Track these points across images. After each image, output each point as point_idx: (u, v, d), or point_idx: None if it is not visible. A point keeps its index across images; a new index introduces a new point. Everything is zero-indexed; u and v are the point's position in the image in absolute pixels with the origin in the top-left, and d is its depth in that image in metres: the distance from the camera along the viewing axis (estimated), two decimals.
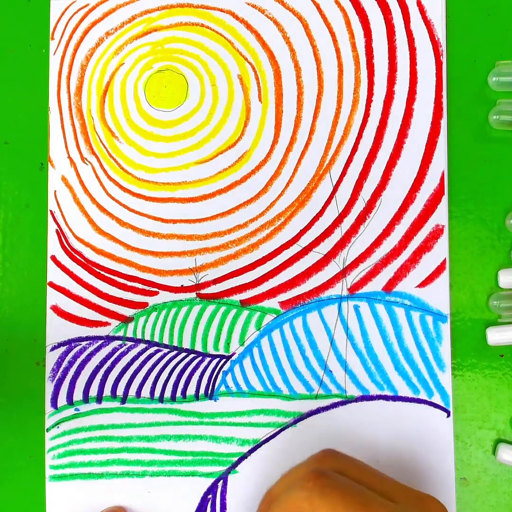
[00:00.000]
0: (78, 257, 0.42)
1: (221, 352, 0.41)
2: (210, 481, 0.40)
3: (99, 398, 0.41)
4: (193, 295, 0.41)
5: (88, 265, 0.42)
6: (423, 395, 0.39)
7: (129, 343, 0.41)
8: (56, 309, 0.41)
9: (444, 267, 0.39)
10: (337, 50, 0.41)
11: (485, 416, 0.39)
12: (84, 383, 0.41)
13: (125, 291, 0.41)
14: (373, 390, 0.39)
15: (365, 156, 0.40)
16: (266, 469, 0.40)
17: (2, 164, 0.42)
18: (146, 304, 0.41)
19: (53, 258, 0.42)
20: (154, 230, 0.41)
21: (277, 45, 0.41)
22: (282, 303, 0.40)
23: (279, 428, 0.40)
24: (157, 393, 0.41)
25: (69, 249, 0.42)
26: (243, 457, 0.40)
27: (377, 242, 0.40)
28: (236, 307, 0.41)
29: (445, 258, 0.39)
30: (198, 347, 0.41)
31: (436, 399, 0.39)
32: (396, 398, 0.39)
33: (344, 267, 0.40)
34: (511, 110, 0.39)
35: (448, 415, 0.39)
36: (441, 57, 0.40)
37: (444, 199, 0.40)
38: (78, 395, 0.41)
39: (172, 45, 0.42)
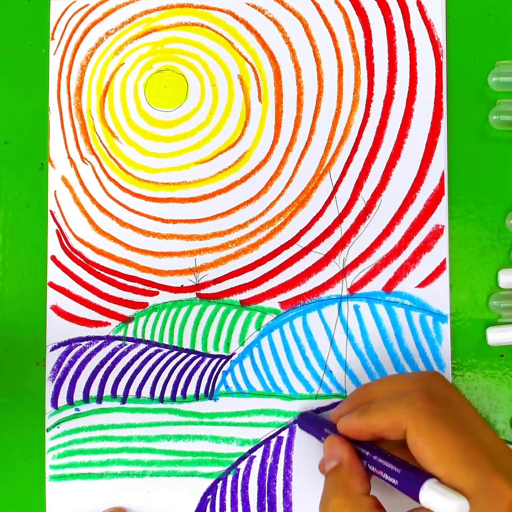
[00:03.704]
0: (78, 257, 0.42)
1: (221, 352, 0.41)
2: (209, 481, 0.40)
3: (99, 398, 0.41)
4: (193, 295, 0.41)
5: (88, 265, 0.42)
6: None
7: (129, 343, 0.41)
8: (56, 309, 0.41)
9: (444, 267, 0.39)
10: (337, 50, 0.41)
11: (485, 416, 0.39)
12: (84, 383, 0.41)
13: (125, 291, 0.41)
14: None
15: (365, 156, 0.40)
16: (266, 470, 0.40)
17: (2, 164, 0.42)
18: (146, 304, 0.41)
19: (53, 258, 0.42)
20: (154, 230, 0.41)
21: (277, 45, 0.41)
22: (282, 303, 0.40)
23: (279, 428, 0.40)
24: (157, 393, 0.41)
25: (69, 249, 0.42)
26: (243, 457, 0.40)
27: (377, 242, 0.40)
28: (236, 307, 0.41)
29: (445, 258, 0.39)
30: (198, 347, 0.41)
31: None
32: None
33: (344, 267, 0.40)
34: (511, 110, 0.39)
35: None
36: (441, 57, 0.40)
37: (444, 199, 0.40)
38: (78, 395, 0.41)
39: (172, 45, 0.42)
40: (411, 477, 0.29)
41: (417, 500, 0.29)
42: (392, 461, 0.31)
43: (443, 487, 0.28)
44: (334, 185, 0.40)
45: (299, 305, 0.40)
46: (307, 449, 0.40)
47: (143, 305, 0.41)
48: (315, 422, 0.37)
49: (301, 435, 0.40)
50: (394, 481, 0.30)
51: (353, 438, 0.33)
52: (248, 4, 0.41)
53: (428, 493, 0.28)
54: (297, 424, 0.39)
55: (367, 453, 0.32)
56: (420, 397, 0.31)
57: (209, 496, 0.40)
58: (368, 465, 0.32)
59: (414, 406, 0.30)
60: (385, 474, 0.31)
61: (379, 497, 0.32)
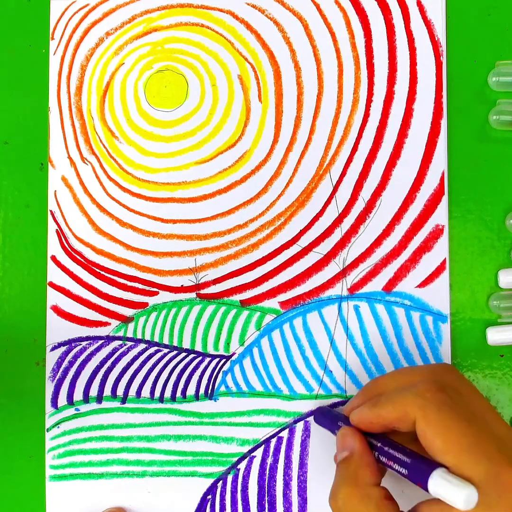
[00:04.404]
0: (78, 257, 0.42)
1: (221, 352, 0.41)
2: (209, 481, 0.40)
3: (99, 398, 0.41)
4: (193, 295, 0.41)
5: (88, 265, 0.42)
6: None
7: (129, 343, 0.41)
8: (56, 309, 0.41)
9: (444, 267, 0.39)
10: (337, 50, 0.41)
11: None
12: (84, 383, 0.41)
13: (125, 291, 0.41)
14: None
15: (365, 156, 0.40)
16: (266, 470, 0.40)
17: (2, 164, 0.42)
18: (146, 304, 0.41)
19: (53, 258, 0.42)
20: (154, 230, 0.41)
21: (277, 45, 0.41)
22: (282, 303, 0.40)
23: (279, 428, 0.40)
24: (157, 393, 0.41)
25: (69, 249, 0.42)
26: (243, 457, 0.40)
27: (377, 242, 0.40)
28: (236, 307, 0.41)
29: (445, 258, 0.39)
30: (198, 347, 0.41)
31: None
32: None
33: (344, 267, 0.40)
34: (511, 110, 0.39)
35: None
36: (441, 57, 0.40)
37: (444, 199, 0.40)
38: (78, 395, 0.41)
39: (172, 45, 0.42)
40: (420, 467, 0.29)
41: (427, 490, 0.29)
42: (402, 452, 0.31)
43: (451, 476, 0.28)
44: (334, 185, 0.40)
45: (299, 305, 0.40)
46: (306, 450, 0.40)
47: (143, 305, 0.41)
48: (329, 416, 0.37)
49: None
50: (404, 470, 0.30)
51: (366, 430, 0.33)
52: (248, 4, 0.41)
53: (437, 482, 0.28)
54: (313, 419, 0.39)
55: (379, 444, 0.33)
56: (429, 388, 0.31)
57: (209, 496, 0.40)
58: (379, 456, 0.32)
59: (423, 397, 0.30)
60: (395, 464, 0.31)
61: (391, 490, 0.32)
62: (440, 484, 0.28)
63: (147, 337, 0.41)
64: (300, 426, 0.40)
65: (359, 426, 0.34)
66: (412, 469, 0.30)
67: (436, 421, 0.29)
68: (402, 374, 0.34)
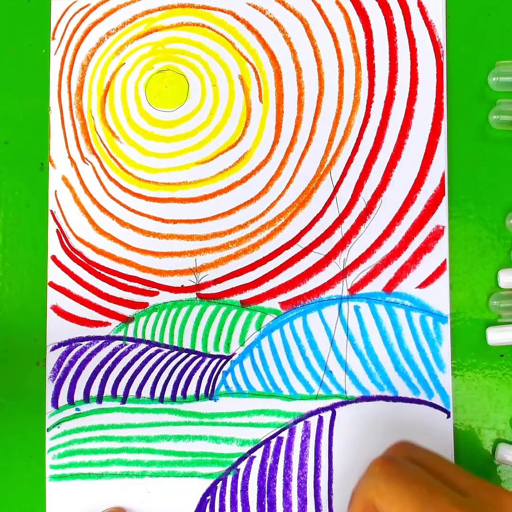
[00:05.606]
0: (78, 257, 0.42)
1: (221, 352, 0.41)
2: (209, 481, 0.40)
3: (99, 398, 0.41)
4: (193, 295, 0.41)
5: (89, 265, 0.42)
6: (423, 396, 0.39)
7: (130, 343, 0.41)
8: (56, 309, 0.41)
9: (445, 268, 0.39)
10: (338, 51, 0.41)
11: (485, 416, 0.39)
12: (84, 383, 0.41)
13: (125, 291, 0.41)
14: (373, 391, 0.39)
15: (365, 156, 0.40)
16: (266, 470, 0.40)
17: (2, 164, 0.42)
18: (146, 304, 0.41)
19: (54, 258, 0.42)
20: (155, 230, 0.41)
21: (278, 45, 0.41)
22: (283, 304, 0.40)
23: (279, 429, 0.40)
24: (157, 393, 0.41)
25: (69, 249, 0.42)
26: (243, 457, 0.40)
27: (378, 243, 0.40)
28: (236, 308, 0.41)
29: (446, 259, 0.39)
30: (198, 347, 0.41)
31: (436, 400, 0.39)
32: (396, 399, 0.39)
33: (344, 267, 0.40)
34: (511, 110, 0.39)
35: (448, 416, 0.39)
36: (441, 57, 0.40)
37: (445, 200, 0.40)
38: (78, 395, 0.41)
39: (173, 45, 0.42)
40: None
41: None
42: None
43: None
44: (334, 185, 0.40)
45: (299, 306, 0.40)
46: (306, 450, 0.40)
47: (143, 305, 0.41)
48: None
49: (301, 436, 0.40)
50: None
51: None
52: (249, 5, 0.41)
53: None
54: None
55: None
56: (377, 462, 0.30)
57: (209, 497, 0.40)
58: None
59: (373, 474, 0.30)
60: None
61: None
62: None
63: (148, 337, 0.41)
64: (300, 426, 0.40)
65: None
66: None
67: (387, 492, 0.29)
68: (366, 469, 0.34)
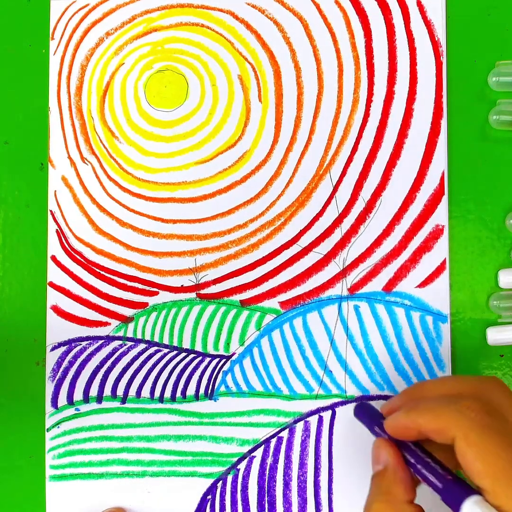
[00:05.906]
0: (78, 257, 0.42)
1: (221, 352, 0.41)
2: (209, 481, 0.40)
3: (99, 398, 0.41)
4: (193, 295, 0.41)
5: (88, 265, 0.42)
6: None
7: (129, 343, 0.41)
8: (56, 309, 0.41)
9: (444, 267, 0.39)
10: (337, 50, 0.41)
11: None
12: (84, 383, 0.41)
13: (125, 291, 0.41)
14: (373, 390, 0.39)
15: (365, 156, 0.40)
16: (266, 470, 0.40)
17: (2, 164, 0.42)
18: (146, 304, 0.41)
19: (53, 258, 0.42)
20: (154, 230, 0.41)
21: (277, 45, 0.41)
22: (282, 303, 0.40)
23: (279, 428, 0.40)
24: (157, 393, 0.41)
25: (69, 249, 0.42)
26: (243, 457, 0.40)
27: (377, 242, 0.40)
28: (236, 307, 0.41)
29: (445, 258, 0.39)
30: (198, 347, 0.41)
31: None
32: None
33: (344, 267, 0.40)
34: (511, 110, 0.39)
35: None
36: (441, 57, 0.40)
37: (444, 199, 0.40)
38: (78, 395, 0.41)
39: (172, 45, 0.42)
40: (454, 491, 0.29)
41: None
42: (436, 474, 0.30)
43: (485, 506, 0.27)
44: (334, 185, 0.40)
45: (299, 305, 0.40)
46: (306, 450, 0.40)
47: (143, 305, 0.41)
48: (368, 414, 0.36)
49: (301, 435, 0.40)
50: (436, 492, 0.30)
51: (401, 438, 0.32)
52: (248, 4, 0.41)
53: (470, 509, 0.28)
54: (353, 412, 0.38)
55: (412, 460, 0.31)
56: (474, 407, 0.29)
57: (209, 496, 0.40)
58: (414, 472, 0.31)
59: (466, 416, 0.29)
60: (428, 484, 0.30)
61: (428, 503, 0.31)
62: None
63: (147, 337, 0.41)
64: (300, 426, 0.40)
65: (394, 435, 0.32)
66: (445, 493, 0.29)
67: (477, 444, 0.28)
68: (447, 383, 0.33)
